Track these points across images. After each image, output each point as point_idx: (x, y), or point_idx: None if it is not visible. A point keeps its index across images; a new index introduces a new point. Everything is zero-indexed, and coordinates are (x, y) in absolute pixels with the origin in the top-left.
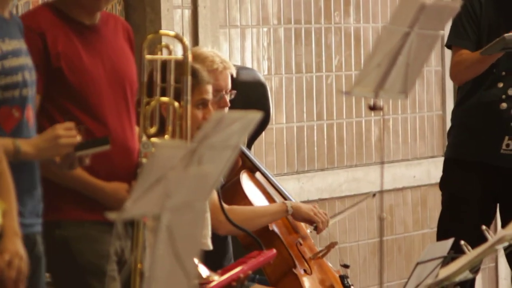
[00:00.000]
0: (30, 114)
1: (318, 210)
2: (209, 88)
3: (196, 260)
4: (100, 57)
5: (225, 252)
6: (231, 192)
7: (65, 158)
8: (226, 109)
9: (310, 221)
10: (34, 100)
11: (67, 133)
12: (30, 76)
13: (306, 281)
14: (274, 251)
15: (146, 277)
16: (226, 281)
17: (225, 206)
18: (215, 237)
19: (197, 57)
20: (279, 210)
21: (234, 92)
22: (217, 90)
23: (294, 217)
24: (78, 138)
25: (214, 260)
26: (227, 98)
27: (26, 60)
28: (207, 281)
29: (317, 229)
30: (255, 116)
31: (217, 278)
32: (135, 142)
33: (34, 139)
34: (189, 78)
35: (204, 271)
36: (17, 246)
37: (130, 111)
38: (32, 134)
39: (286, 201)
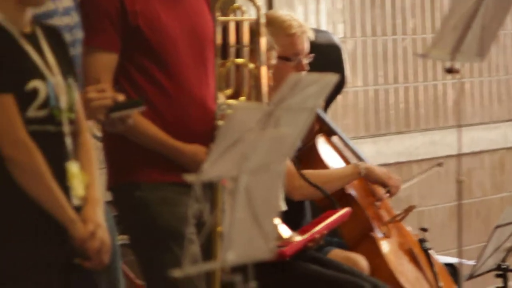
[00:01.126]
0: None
1: (392, 175)
2: (272, 54)
3: (277, 221)
4: (179, 17)
5: (303, 216)
6: (307, 156)
7: (105, 119)
8: (304, 73)
9: (382, 184)
10: (78, 60)
11: (98, 95)
12: (71, 35)
13: (384, 245)
14: (349, 209)
15: (225, 239)
16: (303, 243)
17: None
18: (292, 202)
19: (274, 21)
20: (351, 172)
21: (311, 55)
22: (295, 54)
23: (367, 179)
24: (116, 98)
25: (292, 224)
26: (305, 62)
27: (64, 20)
28: (289, 241)
29: (389, 193)
30: (332, 78)
31: (298, 239)
32: (213, 102)
33: None
34: (264, 39)
35: (286, 231)
36: (100, 217)
37: (208, 72)
38: None
39: (359, 163)
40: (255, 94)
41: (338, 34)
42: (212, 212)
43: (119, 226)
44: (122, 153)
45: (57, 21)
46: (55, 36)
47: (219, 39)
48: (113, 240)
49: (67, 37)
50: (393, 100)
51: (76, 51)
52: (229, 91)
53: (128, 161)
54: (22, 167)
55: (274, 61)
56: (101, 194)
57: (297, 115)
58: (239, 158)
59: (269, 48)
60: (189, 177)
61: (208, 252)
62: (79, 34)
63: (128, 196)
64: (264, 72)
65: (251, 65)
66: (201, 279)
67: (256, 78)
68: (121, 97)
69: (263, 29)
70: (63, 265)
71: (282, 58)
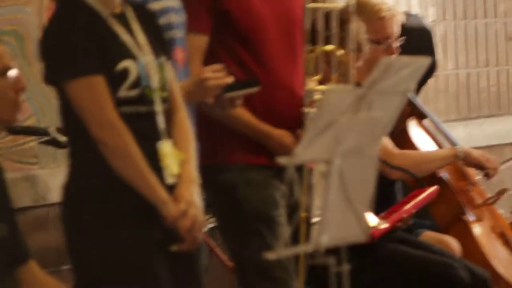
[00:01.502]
0: (179, 55)
1: (489, 156)
2: (362, 40)
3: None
4: (270, 1)
5: (394, 196)
6: (399, 139)
7: (216, 99)
8: (394, 56)
9: (480, 166)
10: (183, 42)
11: (214, 75)
12: (177, 18)
13: (476, 228)
14: (436, 187)
15: (319, 223)
16: (391, 224)
17: (395, 150)
18: (383, 184)
19: (364, 5)
20: (448, 155)
21: (402, 39)
22: (385, 38)
23: (465, 162)
24: (229, 79)
25: (382, 205)
26: (395, 45)
27: (171, 3)
28: (376, 229)
29: (487, 176)
30: (424, 62)
31: (385, 226)
32: (301, 88)
33: (183, 83)
34: (353, 25)
35: (373, 219)
36: (193, 195)
37: (297, 58)
38: (181, 76)
39: (456, 147)
40: (344, 80)
41: (429, 17)
42: (301, 196)
43: (208, 209)
44: (211, 136)
45: (166, 3)
46: (147, 16)
47: (308, 25)
48: None
49: (174, 19)
50: (484, 83)
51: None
52: (317, 77)
53: (217, 144)
54: (112, 148)
55: (364, 47)
56: (196, 172)
57: (389, 99)
58: (332, 141)
59: (359, 34)
60: (282, 160)
61: (295, 235)
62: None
63: (216, 179)
64: (352, 58)
65: (340, 52)
66: (291, 263)
67: (345, 64)
68: (231, 78)
69: (352, 16)
70: (164, 246)
71: (373, 41)
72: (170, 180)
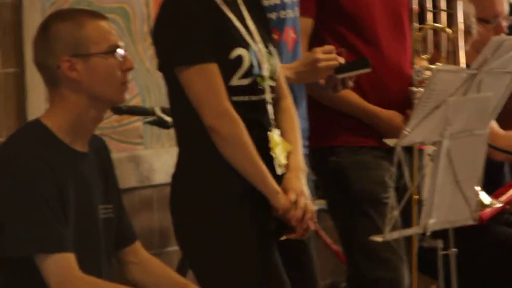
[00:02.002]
0: (289, 36)
1: None
2: (471, 19)
3: (477, 188)
4: None
5: (502, 180)
6: (505, 120)
7: (328, 81)
8: (502, 35)
9: None
10: (295, 22)
11: (326, 56)
12: None
13: None
14: None
15: (426, 205)
16: (504, 205)
17: (501, 131)
18: (491, 165)
19: None
20: None
21: (511, 18)
22: (494, 16)
23: None
24: (341, 60)
25: (490, 187)
26: (504, 24)
27: None
28: (487, 209)
29: None
30: None
31: (498, 205)
32: (410, 68)
33: (294, 64)
34: (461, 3)
35: (486, 198)
36: (302, 185)
37: (405, 37)
38: (289, 58)
39: None
40: (453, 59)
41: None
42: (411, 177)
43: (317, 191)
44: (321, 119)
45: None
46: (254, 3)
47: (415, 4)
48: None
49: None
50: None
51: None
52: (426, 57)
53: (326, 126)
54: (226, 138)
55: (473, 30)
56: (303, 161)
57: (499, 79)
58: (440, 122)
59: (468, 17)
60: (390, 141)
61: (406, 217)
62: None
63: (326, 161)
64: (461, 37)
65: (449, 30)
66: (400, 245)
67: (454, 43)
68: (342, 59)
69: None
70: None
71: (481, 20)
72: (279, 170)
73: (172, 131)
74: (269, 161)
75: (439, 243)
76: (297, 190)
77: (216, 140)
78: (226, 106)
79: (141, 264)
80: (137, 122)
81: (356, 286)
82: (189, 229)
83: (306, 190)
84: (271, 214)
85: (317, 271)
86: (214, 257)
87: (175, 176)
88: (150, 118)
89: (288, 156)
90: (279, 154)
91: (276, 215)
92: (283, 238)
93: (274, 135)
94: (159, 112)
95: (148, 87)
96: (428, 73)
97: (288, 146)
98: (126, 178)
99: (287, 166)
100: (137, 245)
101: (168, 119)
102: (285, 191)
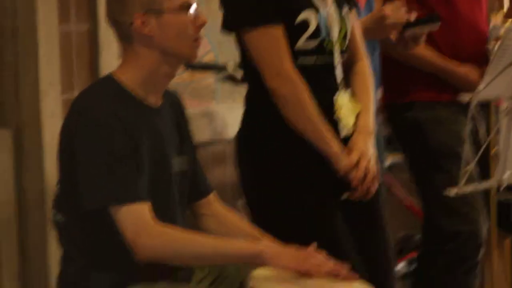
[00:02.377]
0: None
1: None
2: None
3: None
4: None
5: None
6: None
7: (398, 37)
8: None
9: None
10: None
11: (394, 13)
12: None
13: None
14: None
15: (501, 159)
16: None
17: None
18: None
19: None
20: None
21: None
22: None
23: None
24: (410, 17)
25: None
26: None
27: None
28: None
29: None
30: None
31: None
32: (486, 25)
33: (362, 19)
34: None
35: None
36: (368, 146)
37: None
38: (362, 14)
39: None
40: None
41: None
42: (487, 132)
43: (391, 145)
44: (398, 74)
45: None
46: None
47: None
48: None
49: None
50: None
51: None
52: (502, 13)
53: (403, 82)
54: (286, 99)
55: None
56: (373, 122)
57: None
58: None
59: None
60: (465, 97)
61: (484, 171)
62: None
63: (402, 117)
64: None
65: None
66: (478, 199)
67: None
68: (413, 16)
69: None
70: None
71: None
72: (344, 132)
73: (243, 87)
74: (335, 123)
75: None
76: (360, 150)
77: (276, 100)
78: (287, 67)
79: (216, 216)
80: (210, 79)
81: (434, 240)
82: (252, 184)
83: (371, 151)
84: (334, 175)
85: (388, 228)
86: (275, 213)
87: (240, 132)
88: (222, 75)
89: (358, 117)
90: (345, 116)
91: (339, 176)
92: (344, 197)
93: (341, 97)
94: (231, 69)
95: (220, 43)
96: (503, 30)
97: (357, 107)
98: (200, 133)
99: (355, 127)
100: (212, 197)
101: (241, 75)
102: (349, 151)
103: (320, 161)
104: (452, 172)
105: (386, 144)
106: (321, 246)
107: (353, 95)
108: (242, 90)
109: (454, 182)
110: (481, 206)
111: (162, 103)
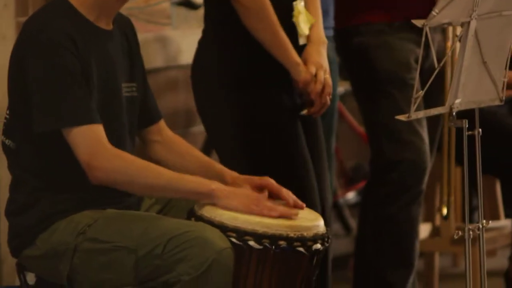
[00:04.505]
0: None
1: None
2: None
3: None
4: None
5: None
6: None
7: None
8: None
9: None
10: None
11: None
12: None
13: None
14: None
15: (453, 84)
16: None
17: None
18: None
19: None
20: None
21: None
22: None
23: None
24: None
25: None
26: None
27: None
28: None
29: None
30: None
31: None
32: None
33: None
34: None
35: None
36: (323, 59)
37: None
38: None
39: None
40: None
41: None
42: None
43: (341, 74)
44: None
45: None
46: None
47: None
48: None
49: None
50: None
51: None
52: None
53: (351, 5)
54: (248, 8)
55: None
56: (324, 35)
57: None
58: (468, 3)
59: None
60: (418, 22)
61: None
62: None
63: (350, 41)
64: None
65: None
66: (422, 125)
67: None
68: None
69: None
70: (293, 111)
71: None
72: (302, 41)
73: (200, 12)
74: (292, 31)
75: (465, 123)
76: (317, 63)
77: (239, 11)
78: None
79: (165, 143)
80: (165, 3)
81: (379, 168)
82: (211, 107)
83: (326, 64)
84: (291, 89)
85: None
86: (237, 135)
87: (198, 51)
88: None
89: (311, 28)
90: (302, 23)
91: (295, 90)
92: (304, 112)
93: (299, 4)
94: None
95: None
96: None
97: (311, 18)
98: (153, 58)
99: (308, 39)
100: (162, 124)
101: (197, 0)
102: (305, 63)
103: (276, 77)
104: (399, 99)
105: (338, 71)
106: (283, 166)
107: (305, 5)
108: (198, 16)
109: (401, 110)
110: (426, 136)
111: (113, 27)
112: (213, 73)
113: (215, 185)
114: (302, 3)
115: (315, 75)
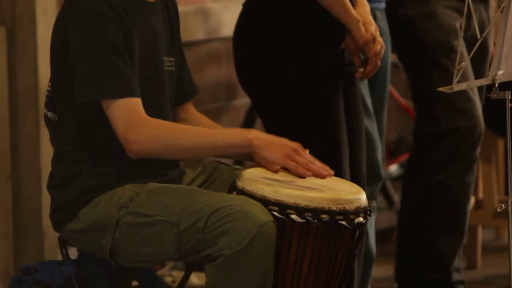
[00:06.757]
0: None
1: None
2: None
3: None
4: None
5: None
6: None
7: None
8: None
9: None
10: None
11: None
12: None
13: None
14: None
15: (496, 56)
16: None
17: None
18: None
19: None
20: None
21: None
22: None
23: None
24: None
25: None
26: None
27: None
28: None
29: None
30: None
31: None
32: None
33: None
34: None
35: None
36: (372, 19)
37: None
38: None
39: None
40: None
41: None
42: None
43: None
44: None
45: None
46: None
47: None
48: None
49: None
50: None
51: None
52: None
53: None
54: None
55: None
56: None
57: None
58: None
59: None
60: None
61: (479, 67)
62: None
63: (396, 13)
64: None
65: None
66: (473, 91)
67: None
68: None
69: None
70: (337, 73)
71: None
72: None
73: None
74: None
75: (508, 95)
76: (374, 24)
77: None
78: None
79: (191, 120)
80: None
81: (433, 136)
82: (255, 75)
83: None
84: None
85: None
86: (282, 102)
87: (242, 19)
88: None
89: None
90: None
91: (345, 48)
92: (358, 73)
93: None
94: None
95: None
96: None
97: None
98: (194, 30)
99: (355, 2)
100: (190, 103)
101: None
102: (363, 23)
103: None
104: (449, 66)
105: None
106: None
107: None
108: None
109: (449, 76)
110: (478, 100)
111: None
112: (258, 43)
113: (252, 134)
114: None
115: (375, 35)
